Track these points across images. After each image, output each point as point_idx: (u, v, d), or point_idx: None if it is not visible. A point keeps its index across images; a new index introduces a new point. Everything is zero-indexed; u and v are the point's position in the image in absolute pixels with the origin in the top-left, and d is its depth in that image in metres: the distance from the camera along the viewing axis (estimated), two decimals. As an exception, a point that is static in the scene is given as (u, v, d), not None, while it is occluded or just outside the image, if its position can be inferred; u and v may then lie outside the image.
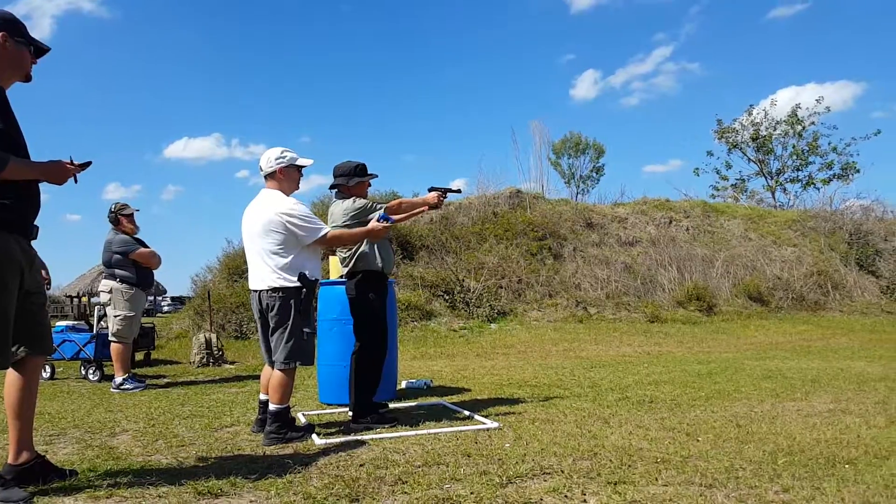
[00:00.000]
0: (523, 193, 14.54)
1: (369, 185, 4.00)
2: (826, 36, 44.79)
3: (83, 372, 6.53)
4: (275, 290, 3.32)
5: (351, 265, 3.85)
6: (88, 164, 2.56)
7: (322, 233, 3.39)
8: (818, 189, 21.85)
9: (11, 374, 2.45)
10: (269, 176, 3.49)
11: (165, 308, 35.38)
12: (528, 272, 12.05)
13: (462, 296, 10.99)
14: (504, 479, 2.52)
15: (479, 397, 4.74)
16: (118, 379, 5.59)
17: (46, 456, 2.63)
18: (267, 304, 3.36)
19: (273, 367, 3.39)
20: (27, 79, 2.50)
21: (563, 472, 2.61)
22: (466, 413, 3.98)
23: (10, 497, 2.30)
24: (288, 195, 3.46)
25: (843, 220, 15.42)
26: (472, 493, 2.34)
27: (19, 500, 2.30)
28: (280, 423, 3.30)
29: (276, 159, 3.46)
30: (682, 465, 2.67)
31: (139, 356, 7.47)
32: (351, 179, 3.87)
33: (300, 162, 3.55)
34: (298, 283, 3.32)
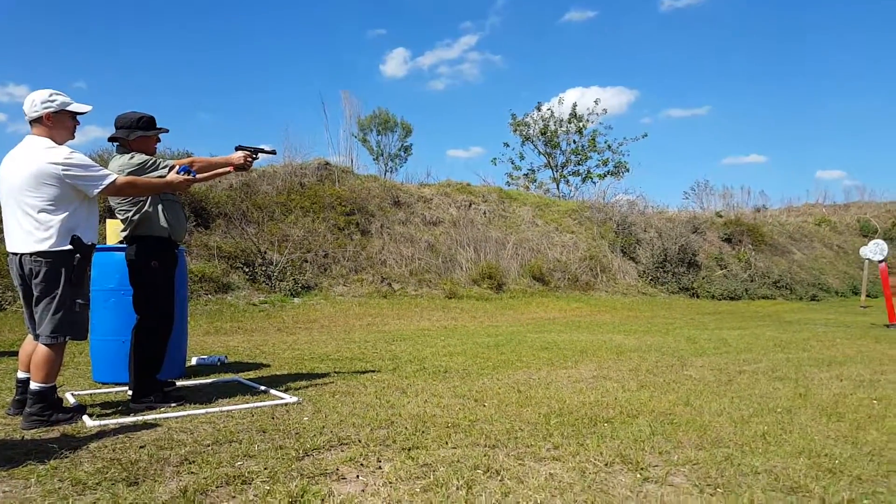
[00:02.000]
0: (332, 166, 14.34)
1: (158, 140, 3.63)
2: (609, 44, 50.21)
3: None
4: (40, 254, 2.88)
5: (132, 228, 3.47)
6: None
7: (109, 180, 3.00)
8: (594, 183, 24.71)
9: None
10: (35, 121, 3.01)
11: None
12: (335, 247, 11.96)
13: (263, 269, 10.54)
14: (301, 452, 2.50)
15: (278, 373, 4.62)
16: None
17: None
18: (30, 269, 2.90)
19: (37, 341, 2.95)
20: None
21: (360, 441, 2.67)
22: (263, 388, 3.86)
23: None
24: (60, 144, 3.01)
25: (612, 212, 17.73)
26: (265, 469, 2.29)
27: None
28: (44, 405, 2.89)
29: (43, 103, 2.99)
30: (470, 428, 2.90)
31: None
32: (132, 133, 3.46)
33: (73, 108, 3.09)
34: (70, 247, 2.92)
